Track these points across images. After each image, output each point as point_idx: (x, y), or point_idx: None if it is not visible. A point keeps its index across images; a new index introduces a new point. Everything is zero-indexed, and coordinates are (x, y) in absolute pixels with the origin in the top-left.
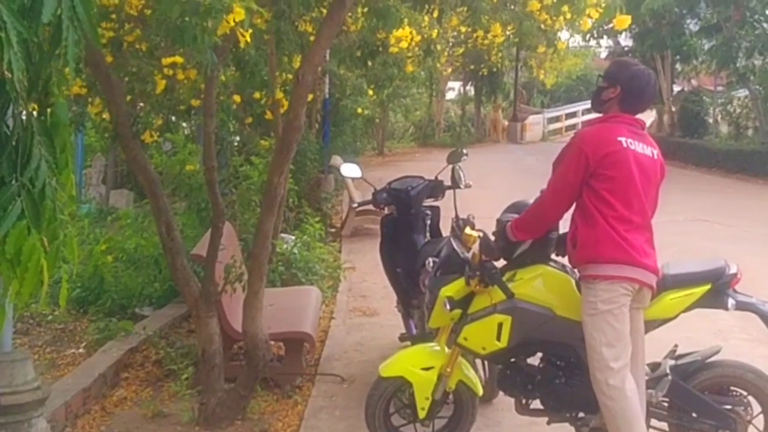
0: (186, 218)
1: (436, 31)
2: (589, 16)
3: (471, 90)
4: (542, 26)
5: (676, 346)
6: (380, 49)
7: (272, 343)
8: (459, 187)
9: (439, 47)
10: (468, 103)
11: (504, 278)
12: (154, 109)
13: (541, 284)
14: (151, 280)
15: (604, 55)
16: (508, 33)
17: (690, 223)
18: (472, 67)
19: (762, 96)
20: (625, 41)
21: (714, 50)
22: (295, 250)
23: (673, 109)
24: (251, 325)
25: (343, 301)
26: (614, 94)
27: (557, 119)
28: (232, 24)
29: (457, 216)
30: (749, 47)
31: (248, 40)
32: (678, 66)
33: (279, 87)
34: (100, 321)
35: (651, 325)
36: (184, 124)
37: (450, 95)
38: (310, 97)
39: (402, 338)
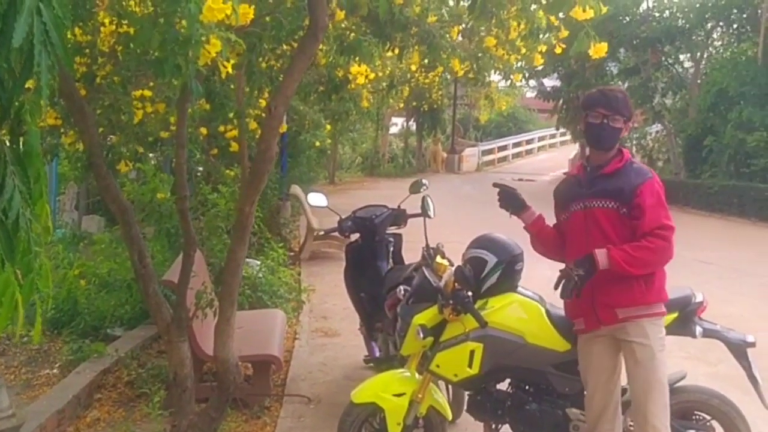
0: (155, 243)
1: (389, 69)
2: (549, 53)
3: (413, 125)
4: (495, 64)
5: None
6: (342, 84)
7: (240, 364)
8: (429, 216)
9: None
10: (410, 137)
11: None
12: (127, 140)
13: (512, 312)
14: (122, 302)
15: (530, 95)
16: (464, 68)
17: None
18: (414, 103)
19: (674, 131)
20: (550, 82)
21: (632, 90)
22: (260, 275)
23: None
24: (223, 350)
25: (305, 322)
26: (627, 131)
27: (491, 152)
28: (213, 55)
29: (427, 245)
30: (664, 88)
31: (230, 70)
32: None
33: (252, 118)
34: (74, 342)
35: None
36: (151, 155)
37: (393, 129)
38: (284, 127)
39: (366, 360)
